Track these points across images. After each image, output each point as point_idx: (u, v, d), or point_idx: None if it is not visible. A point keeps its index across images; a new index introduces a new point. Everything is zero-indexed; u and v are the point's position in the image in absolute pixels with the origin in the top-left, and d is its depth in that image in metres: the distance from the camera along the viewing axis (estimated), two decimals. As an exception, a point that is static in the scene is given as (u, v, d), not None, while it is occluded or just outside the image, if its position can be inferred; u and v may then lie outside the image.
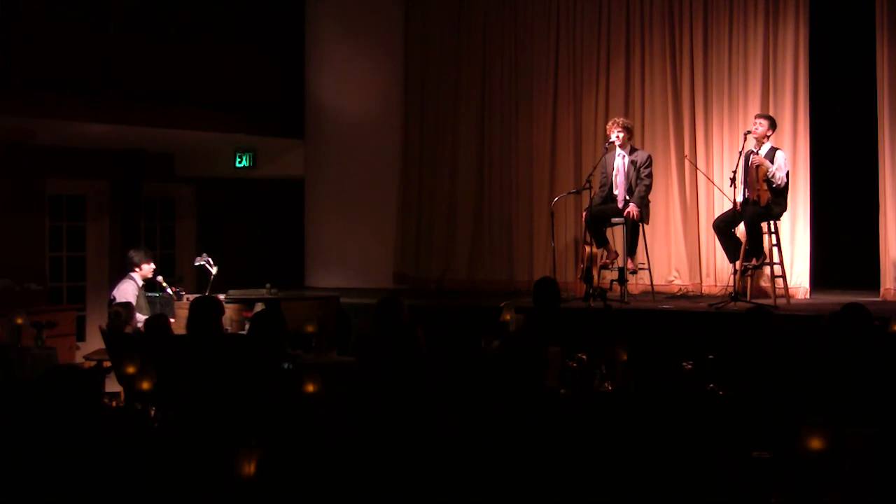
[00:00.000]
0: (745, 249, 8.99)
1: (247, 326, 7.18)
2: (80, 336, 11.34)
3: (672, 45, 10.53)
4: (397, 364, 4.85)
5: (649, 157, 9.63)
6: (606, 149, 9.62)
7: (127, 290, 9.02)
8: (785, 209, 9.21)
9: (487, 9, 11.57)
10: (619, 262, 9.52)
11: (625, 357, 5.55)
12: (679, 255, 10.41)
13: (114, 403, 5.49)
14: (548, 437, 4.07)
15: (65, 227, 12.64)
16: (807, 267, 9.79)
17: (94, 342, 10.60)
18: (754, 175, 8.90)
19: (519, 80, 11.35)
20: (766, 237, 9.15)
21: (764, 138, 9.07)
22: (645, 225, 9.57)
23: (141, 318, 8.43)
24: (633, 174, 9.48)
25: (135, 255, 9.26)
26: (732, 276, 9.01)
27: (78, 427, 3.72)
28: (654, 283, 9.82)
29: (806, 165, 9.86)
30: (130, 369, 5.30)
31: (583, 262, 9.61)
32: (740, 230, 9.17)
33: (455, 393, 4.70)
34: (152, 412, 5.00)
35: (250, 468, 3.59)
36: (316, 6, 12.54)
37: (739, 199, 9.01)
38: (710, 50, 10.35)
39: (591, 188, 9.49)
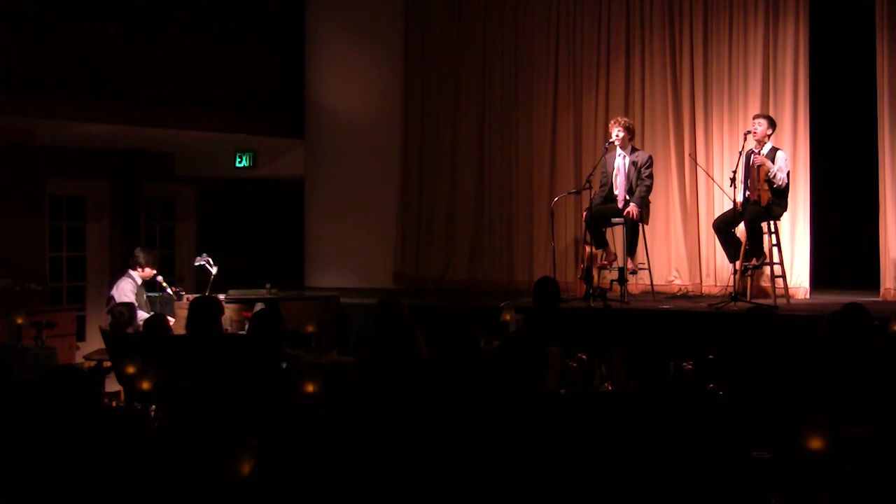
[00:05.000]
0: (745, 249, 8.99)
1: (247, 326, 7.17)
2: (80, 336, 11.34)
3: (672, 45, 10.53)
4: (397, 364, 4.85)
5: (650, 157, 9.63)
6: (606, 148, 9.63)
7: (126, 290, 8.98)
8: (785, 209, 9.21)
9: (487, 9, 11.57)
10: (618, 263, 9.53)
11: (619, 360, 5.54)
12: (679, 255, 10.41)
13: (114, 403, 5.49)
14: (548, 437, 4.06)
15: (65, 227, 12.64)
16: (807, 267, 9.79)
17: (94, 342, 10.60)
18: (755, 175, 8.90)
19: (519, 80, 11.35)
20: (766, 237, 9.15)
21: (765, 138, 9.07)
22: (645, 225, 9.57)
23: (143, 316, 8.42)
24: (633, 174, 9.47)
25: (142, 254, 9.18)
26: (732, 276, 9.01)
27: (78, 427, 3.72)
28: (654, 283, 9.82)
29: (806, 165, 9.86)
30: (130, 369, 5.29)
31: (583, 262, 9.61)
32: (740, 230, 9.17)
33: (455, 393, 4.70)
34: (152, 412, 5.00)
35: (249, 468, 3.59)
36: (316, 6, 12.55)
37: (739, 198, 9.01)
38: (710, 50, 10.35)
39: (591, 188, 9.49)
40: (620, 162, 9.54)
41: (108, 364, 7.71)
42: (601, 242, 9.65)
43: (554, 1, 11.17)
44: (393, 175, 12.04)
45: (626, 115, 10.33)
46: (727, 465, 3.99)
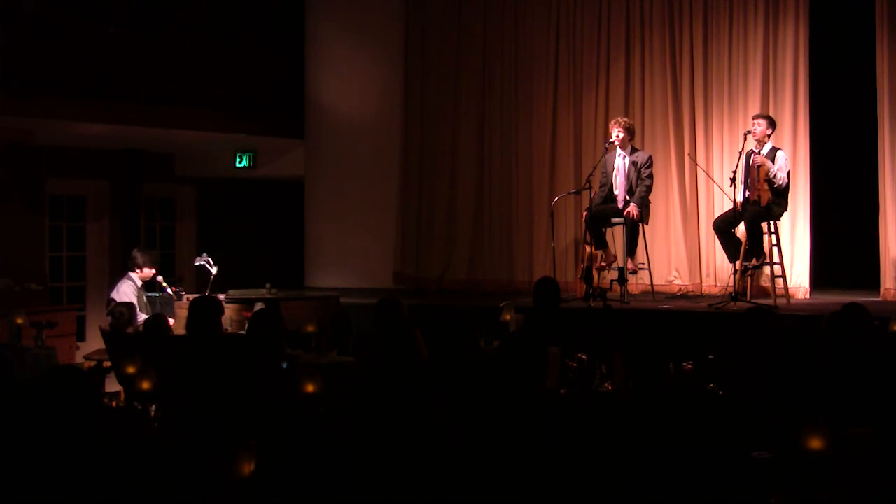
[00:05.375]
0: (745, 249, 8.99)
1: (247, 326, 7.17)
2: (80, 336, 11.34)
3: (672, 45, 10.53)
4: (397, 364, 4.85)
5: (650, 157, 9.63)
6: (606, 148, 9.63)
7: (127, 291, 8.99)
8: (785, 209, 9.22)
9: (487, 9, 11.57)
10: (618, 264, 9.53)
11: (619, 360, 5.55)
12: (679, 255, 10.41)
13: (114, 403, 5.49)
14: (548, 437, 4.06)
15: (65, 227, 12.64)
16: (807, 267, 9.79)
17: (94, 342, 10.60)
18: (755, 175, 8.90)
19: (519, 80, 11.35)
20: (766, 237, 9.15)
21: (765, 138, 9.07)
22: (645, 225, 9.57)
23: (142, 317, 8.43)
24: (633, 174, 9.47)
25: (139, 255, 9.19)
26: (732, 276, 9.01)
27: (78, 427, 3.72)
28: (654, 283, 9.82)
29: (806, 165, 9.86)
30: (130, 369, 5.29)
31: (583, 262, 9.61)
32: (740, 230, 9.17)
33: (455, 393, 4.70)
34: (152, 412, 5.00)
35: (249, 468, 3.59)
36: (316, 6, 12.55)
37: (739, 198, 9.00)
38: (710, 50, 10.35)
39: (591, 188, 9.49)
40: (620, 162, 9.54)
41: (108, 364, 7.70)
42: (601, 243, 9.65)
43: (554, 1, 11.17)
44: (393, 175, 12.03)
45: (626, 115, 10.33)
46: (727, 465, 3.99)
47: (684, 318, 8.69)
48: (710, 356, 5.72)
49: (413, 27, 11.98)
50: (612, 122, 9.64)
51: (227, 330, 7.89)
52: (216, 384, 5.33)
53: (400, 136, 12.01)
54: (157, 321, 7.16)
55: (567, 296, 9.10)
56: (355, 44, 12.27)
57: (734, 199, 9.02)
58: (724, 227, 9.22)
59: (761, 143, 9.07)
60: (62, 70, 10.58)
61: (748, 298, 8.94)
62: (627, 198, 9.46)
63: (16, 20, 10.31)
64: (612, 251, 9.74)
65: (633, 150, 9.57)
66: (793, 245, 9.77)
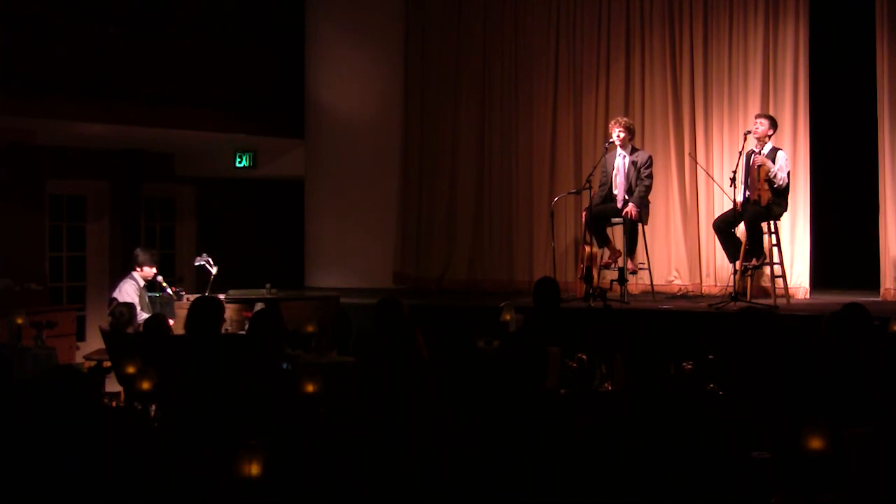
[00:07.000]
0: (745, 249, 8.99)
1: (247, 326, 7.17)
2: (80, 336, 11.33)
3: (672, 45, 10.53)
4: (397, 364, 4.85)
5: (650, 157, 9.63)
6: (606, 148, 9.63)
7: (129, 291, 9.01)
8: (785, 209, 9.22)
9: (487, 9, 11.57)
10: (618, 264, 9.53)
11: (619, 360, 5.55)
12: (679, 255, 10.41)
13: (114, 403, 5.49)
14: (548, 437, 4.06)
15: (65, 227, 12.64)
16: (807, 267, 9.79)
17: (94, 342, 10.59)
18: (756, 175, 8.90)
19: (519, 80, 11.34)
20: (766, 237, 9.16)
21: (765, 138, 9.07)
22: (644, 225, 9.57)
23: (143, 317, 8.43)
24: (633, 174, 9.48)
25: (141, 254, 9.23)
26: (732, 276, 9.01)
27: (78, 427, 3.72)
28: (654, 283, 9.82)
29: (806, 165, 9.87)
30: (130, 369, 5.30)
31: (583, 262, 9.61)
32: (740, 230, 9.17)
33: (455, 393, 4.70)
34: (152, 412, 5.00)
35: (250, 468, 3.59)
36: (316, 6, 12.55)
37: (739, 198, 9.01)
38: (710, 50, 10.35)
39: (591, 188, 9.49)
40: (620, 162, 9.54)
41: (108, 364, 7.70)
42: (604, 241, 9.65)
43: (554, 1, 11.17)
44: (393, 175, 12.03)
45: (626, 115, 10.32)
46: (727, 465, 3.99)
47: (684, 318, 8.69)
48: (710, 356, 5.72)
49: (413, 27, 11.97)
50: (613, 122, 9.64)
51: (227, 330, 7.89)
52: (216, 384, 5.33)
53: (400, 136, 12.00)
54: (157, 321, 7.17)
55: (567, 296, 9.10)
56: (355, 44, 12.27)
57: (734, 199, 9.02)
58: (724, 227, 9.22)
59: (762, 142, 9.07)
60: (62, 70, 10.58)
61: (748, 298, 8.94)
62: (626, 197, 9.46)
63: (16, 20, 10.31)
64: (616, 248, 9.72)
65: (634, 150, 9.57)
66: (793, 245, 9.77)
